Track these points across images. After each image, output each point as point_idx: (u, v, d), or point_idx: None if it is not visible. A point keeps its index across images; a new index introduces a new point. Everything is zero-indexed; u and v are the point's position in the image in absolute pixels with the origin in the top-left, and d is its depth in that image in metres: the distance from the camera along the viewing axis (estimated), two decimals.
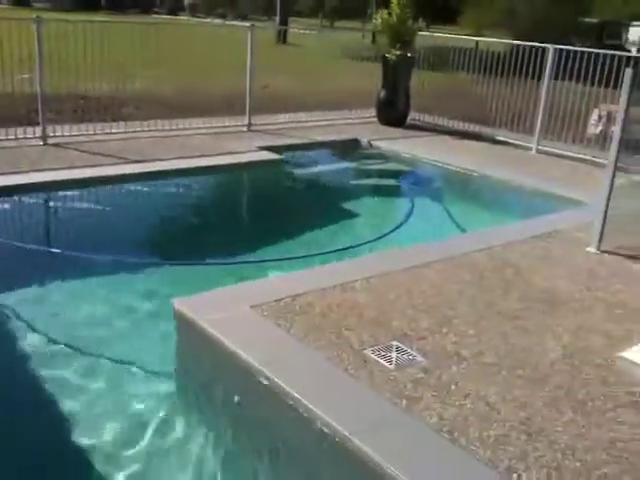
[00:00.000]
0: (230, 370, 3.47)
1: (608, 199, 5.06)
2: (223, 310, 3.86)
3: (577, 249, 5.25)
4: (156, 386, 3.90)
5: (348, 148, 9.20)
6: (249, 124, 9.33)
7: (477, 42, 11.31)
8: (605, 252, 5.16)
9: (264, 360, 3.32)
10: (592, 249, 5.18)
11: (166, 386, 3.89)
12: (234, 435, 3.46)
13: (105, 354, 4.12)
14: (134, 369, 4.02)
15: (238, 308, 3.91)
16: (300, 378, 3.23)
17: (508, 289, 4.45)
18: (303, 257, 5.51)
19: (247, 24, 9.89)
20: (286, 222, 6.54)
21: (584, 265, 4.95)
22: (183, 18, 40.54)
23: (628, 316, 4.15)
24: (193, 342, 3.76)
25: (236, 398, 3.41)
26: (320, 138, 9.24)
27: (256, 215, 7.13)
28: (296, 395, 3.07)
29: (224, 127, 9.18)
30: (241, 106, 9.30)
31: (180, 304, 3.85)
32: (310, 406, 3.00)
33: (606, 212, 5.07)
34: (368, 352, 3.53)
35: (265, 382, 3.22)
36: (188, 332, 3.77)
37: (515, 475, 2.69)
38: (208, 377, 3.68)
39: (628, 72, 4.86)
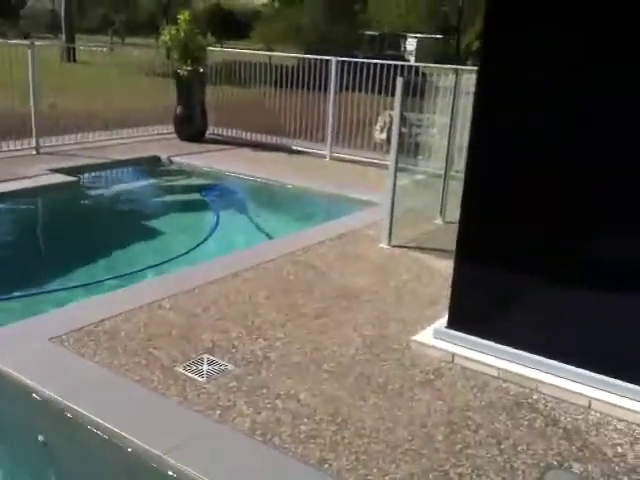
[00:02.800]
0: (32, 408, 3.26)
1: (393, 198, 5.48)
2: (19, 346, 3.62)
3: (370, 246, 5.62)
4: None
5: (148, 166, 9.02)
6: (38, 146, 8.78)
7: (269, 56, 11.65)
8: (395, 246, 5.59)
9: (67, 393, 3.18)
10: (383, 245, 5.59)
11: None
12: (42, 474, 3.26)
13: None
14: None
15: (36, 342, 3.69)
16: (108, 406, 3.13)
17: (311, 290, 4.65)
18: (106, 280, 5.32)
19: (27, 42, 9.31)
20: (86, 246, 6.24)
21: (377, 260, 5.32)
22: None
23: (418, 302, 4.53)
24: None
25: (40, 437, 3.21)
26: (118, 157, 8.95)
27: (52, 242, 6.72)
28: (105, 424, 2.98)
29: (9, 151, 8.55)
30: (27, 128, 8.72)
31: None
32: (121, 432, 2.92)
33: (392, 210, 5.49)
34: (179, 369, 3.51)
35: (71, 415, 3.08)
36: None
37: (326, 465, 2.83)
38: (8, 418, 3.42)
39: (399, 80, 5.30)
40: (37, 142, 8.78)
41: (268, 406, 3.23)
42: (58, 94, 9.76)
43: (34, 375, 3.31)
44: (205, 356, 3.67)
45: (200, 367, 3.55)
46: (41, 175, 7.62)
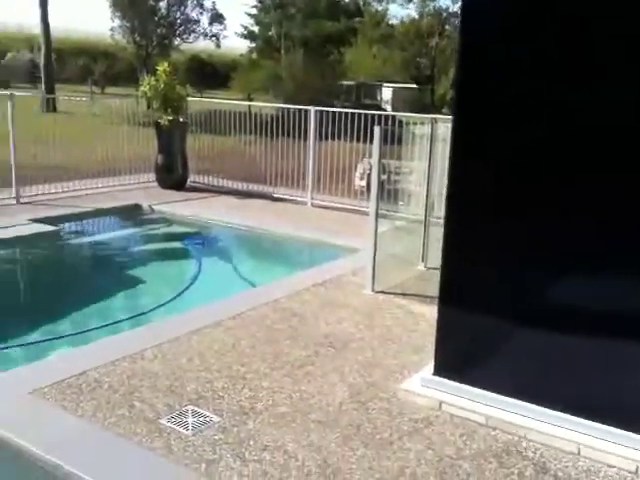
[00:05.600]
0: (13, 464, 3.17)
1: (375, 245, 5.51)
2: None
3: (354, 292, 5.62)
4: None
5: (130, 214, 9.00)
6: (17, 196, 8.74)
7: (249, 106, 11.80)
8: (378, 292, 5.59)
9: (50, 447, 3.10)
10: (367, 291, 5.59)
11: None
12: None
13: None
14: None
15: (15, 395, 3.61)
16: (91, 461, 3.06)
17: (295, 338, 4.62)
18: (88, 331, 5.24)
19: (7, 92, 9.35)
20: (67, 296, 6.17)
21: (361, 306, 5.32)
22: None
23: (403, 349, 4.52)
24: None
25: None
26: (100, 206, 8.92)
27: (33, 292, 6.64)
28: (88, 479, 2.90)
29: None
30: (6, 178, 8.69)
31: None
32: None
33: (375, 256, 5.52)
34: (163, 421, 3.45)
35: (53, 471, 2.99)
36: None
37: None
38: None
39: (377, 130, 5.39)
40: (17, 192, 8.74)
41: (255, 458, 3.17)
42: (39, 144, 9.78)
43: (15, 429, 3.23)
44: (190, 407, 3.61)
45: (185, 419, 3.49)
46: (21, 225, 7.57)
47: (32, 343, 5.08)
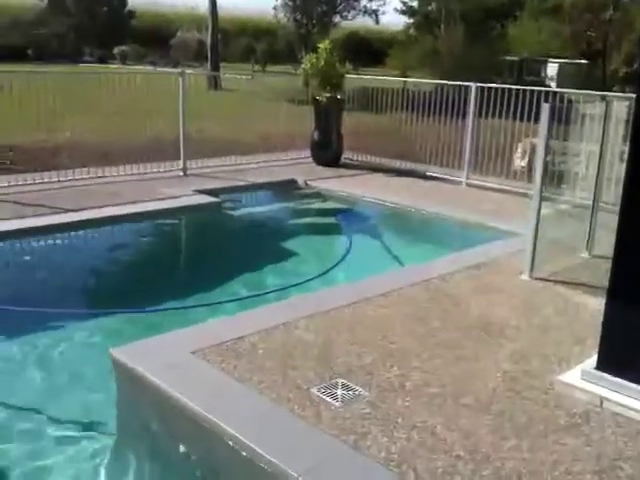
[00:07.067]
0: (174, 418, 3.40)
1: (536, 228, 5.25)
2: (163, 357, 3.79)
3: (511, 277, 5.41)
4: (98, 443, 3.76)
5: (285, 189, 9.29)
6: (184, 168, 9.31)
7: (405, 82, 11.67)
8: (537, 279, 5.33)
9: (208, 405, 3.28)
10: (525, 276, 5.35)
11: (109, 441, 3.76)
12: None
13: (42, 413, 3.97)
14: (73, 428, 3.87)
15: (179, 354, 3.85)
16: (246, 421, 3.20)
17: (447, 319, 4.53)
18: (245, 298, 5.49)
19: (178, 70, 9.94)
20: (226, 264, 6.50)
21: (518, 292, 5.10)
22: (114, 66, 40.30)
23: (562, 340, 4.28)
24: (133, 392, 3.67)
25: (182, 448, 3.34)
26: (257, 180, 9.30)
27: (196, 259, 7.07)
28: (243, 439, 3.04)
29: (159, 172, 9.13)
30: (176, 151, 9.29)
31: (118, 353, 3.77)
32: (258, 449, 2.97)
33: (535, 240, 5.25)
34: (314, 391, 3.53)
35: (210, 428, 3.17)
36: (128, 382, 3.68)
37: None
38: (152, 427, 3.59)
39: (545, 107, 5.10)
40: (184, 164, 9.31)
41: (403, 437, 3.16)
42: (204, 120, 10.35)
43: (177, 385, 3.45)
44: (339, 380, 3.66)
45: (334, 391, 3.54)
46: (188, 195, 8.07)
47: (193, 307, 5.41)
